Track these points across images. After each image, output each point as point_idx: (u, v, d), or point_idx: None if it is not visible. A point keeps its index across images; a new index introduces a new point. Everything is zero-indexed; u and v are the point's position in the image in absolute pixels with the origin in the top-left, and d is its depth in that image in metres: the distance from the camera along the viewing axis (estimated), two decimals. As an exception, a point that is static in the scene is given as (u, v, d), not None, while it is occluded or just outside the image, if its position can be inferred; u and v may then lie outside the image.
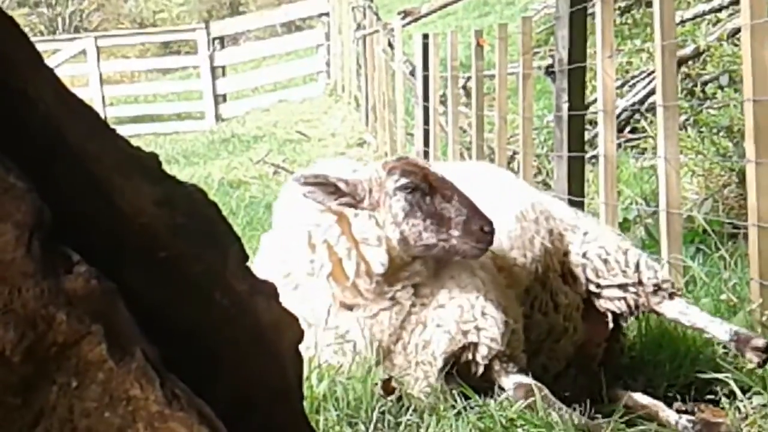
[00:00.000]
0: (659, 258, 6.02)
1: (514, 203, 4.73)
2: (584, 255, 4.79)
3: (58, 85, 1.63)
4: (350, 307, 4.14)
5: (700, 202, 8.98)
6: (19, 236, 1.21)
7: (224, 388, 1.62)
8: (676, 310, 4.73)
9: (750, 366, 4.43)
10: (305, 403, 3.57)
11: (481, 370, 4.15)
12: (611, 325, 4.80)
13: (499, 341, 4.14)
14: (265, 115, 20.58)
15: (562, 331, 4.68)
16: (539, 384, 4.11)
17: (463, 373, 4.18)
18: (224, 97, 22.49)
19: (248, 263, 1.72)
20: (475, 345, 4.14)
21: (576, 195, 7.10)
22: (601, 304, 4.77)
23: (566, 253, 4.81)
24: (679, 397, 4.75)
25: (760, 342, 4.37)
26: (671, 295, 4.76)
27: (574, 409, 4.05)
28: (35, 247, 1.23)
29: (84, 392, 1.25)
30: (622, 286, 4.74)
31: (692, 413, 4.60)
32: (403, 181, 4.08)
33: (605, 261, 4.76)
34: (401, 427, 3.47)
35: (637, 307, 4.76)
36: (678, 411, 4.57)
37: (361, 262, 4.07)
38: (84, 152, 1.60)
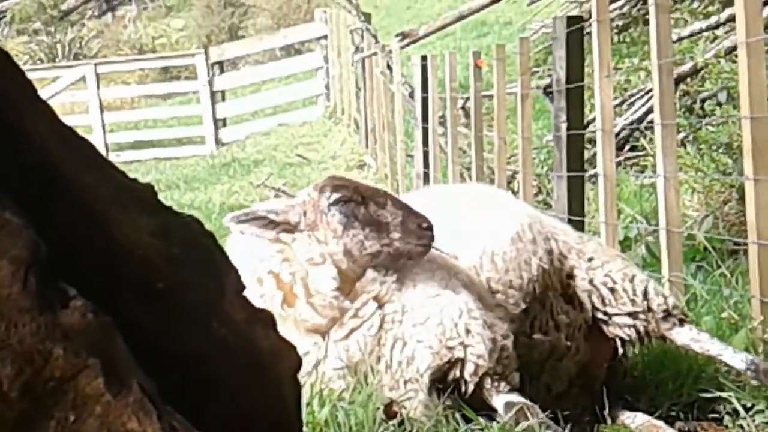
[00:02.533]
0: (660, 276, 6.02)
1: (512, 225, 4.75)
2: (590, 282, 4.80)
3: (53, 118, 1.64)
4: (322, 335, 4.20)
5: (701, 219, 8.97)
6: (15, 272, 1.22)
7: (223, 416, 1.62)
8: (688, 337, 4.74)
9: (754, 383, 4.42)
10: (307, 430, 3.58)
11: (471, 388, 4.17)
12: (620, 350, 4.80)
13: (487, 358, 4.17)
14: (265, 139, 20.62)
15: (564, 350, 4.69)
16: (531, 404, 4.12)
17: (456, 393, 4.20)
18: (224, 121, 22.53)
19: (245, 292, 1.73)
20: (462, 362, 4.17)
21: (576, 214, 7.10)
22: (610, 330, 4.79)
23: (570, 276, 4.83)
24: (682, 415, 4.74)
25: None
26: (681, 322, 4.78)
27: (572, 430, 4.05)
28: (31, 283, 1.23)
29: (82, 426, 1.25)
30: (632, 314, 4.76)
31: (696, 432, 4.59)
32: (336, 195, 4.21)
33: (612, 290, 4.79)
34: (403, 452, 3.47)
35: (647, 333, 4.78)
36: (680, 430, 4.57)
37: (309, 283, 4.18)
38: (80, 185, 1.61)
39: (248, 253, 4.31)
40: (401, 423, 3.62)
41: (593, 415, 4.60)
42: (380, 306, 4.25)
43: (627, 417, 4.64)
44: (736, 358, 4.56)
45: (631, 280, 4.83)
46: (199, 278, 1.66)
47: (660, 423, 4.59)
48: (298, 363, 1.69)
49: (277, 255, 4.26)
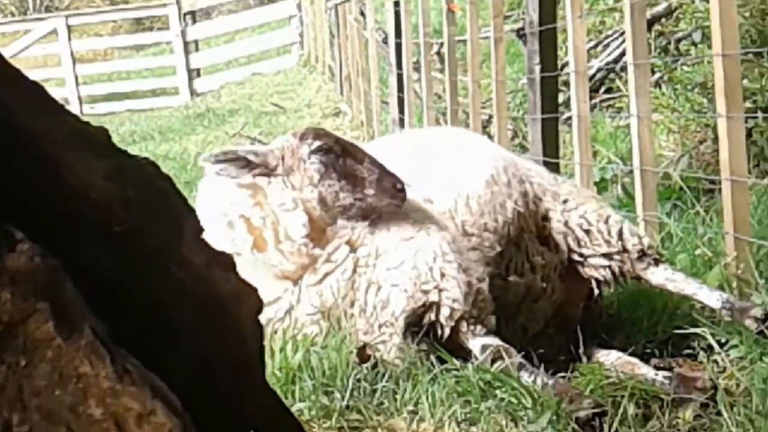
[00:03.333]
0: (635, 216, 6.03)
1: (486, 168, 4.74)
2: (565, 224, 4.80)
3: (2, 63, 1.60)
4: (295, 281, 4.20)
5: (677, 159, 8.99)
6: (-42, 216, 1.19)
7: (183, 359, 1.61)
8: (663, 276, 4.75)
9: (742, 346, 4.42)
10: (281, 374, 3.57)
11: (447, 332, 4.17)
12: (596, 291, 4.81)
13: (462, 302, 4.17)
14: (240, 89, 20.49)
15: (539, 291, 4.69)
16: (506, 345, 4.12)
17: (432, 336, 4.21)
18: (198, 71, 22.36)
19: (204, 235, 1.70)
20: (437, 306, 4.17)
21: (551, 156, 7.09)
22: (586, 271, 4.80)
23: (545, 218, 4.82)
24: (656, 352, 4.75)
25: (759, 312, 4.39)
26: (656, 262, 4.79)
27: (549, 371, 4.06)
28: (-25, 227, 1.21)
29: (33, 371, 1.23)
30: (607, 255, 4.76)
31: (670, 369, 4.61)
32: (317, 143, 4.23)
33: (587, 231, 4.79)
34: (377, 394, 3.46)
35: (622, 274, 4.78)
36: (656, 367, 4.58)
37: (279, 228, 4.18)
38: (31, 129, 1.58)
39: (220, 197, 4.30)
40: (375, 366, 3.62)
41: (568, 354, 4.60)
42: (353, 250, 4.24)
43: (602, 355, 4.65)
44: (711, 297, 4.57)
45: (606, 221, 4.83)
46: (157, 221, 1.63)
47: (635, 360, 4.59)
48: (259, 305, 1.68)
49: (249, 199, 4.24)
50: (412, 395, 3.43)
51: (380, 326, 4.18)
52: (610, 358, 4.61)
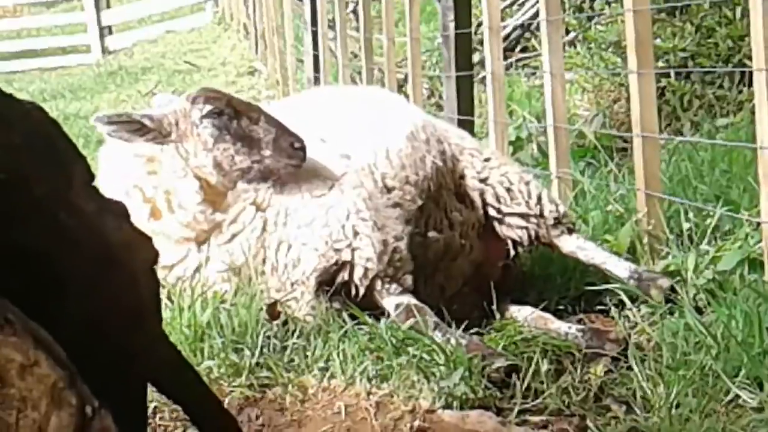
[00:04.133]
0: (549, 173, 6.04)
1: (405, 124, 4.71)
2: (485, 180, 4.81)
3: None
4: (202, 242, 4.13)
5: (591, 118, 9.04)
6: None
7: (72, 310, 1.53)
8: (574, 244, 4.79)
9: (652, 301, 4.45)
10: (189, 332, 3.50)
11: (362, 291, 4.13)
12: (512, 252, 4.82)
13: (376, 261, 4.13)
14: (153, 47, 20.15)
15: (458, 249, 4.68)
16: (420, 304, 4.10)
17: (346, 295, 4.17)
18: (110, 29, 21.94)
19: (95, 183, 1.63)
20: (351, 265, 4.12)
21: (466, 114, 7.06)
22: (503, 230, 4.81)
23: (462, 176, 4.81)
24: (570, 308, 4.78)
25: (666, 283, 4.43)
26: (570, 230, 4.83)
27: (463, 328, 4.04)
28: None
29: None
30: (524, 216, 4.79)
31: (582, 323, 4.63)
32: (208, 107, 4.12)
33: (508, 189, 4.81)
34: (287, 351, 3.42)
35: (537, 237, 4.80)
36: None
37: (172, 198, 4.09)
38: None
39: (116, 166, 4.19)
40: (285, 323, 3.57)
41: (482, 311, 4.60)
42: (261, 210, 4.17)
43: (515, 310, 4.65)
44: (619, 266, 4.62)
45: (527, 184, 4.86)
46: (44, 169, 1.56)
47: (548, 315, 4.60)
48: (154, 255, 1.61)
49: (142, 167, 4.14)
50: (323, 352, 3.39)
51: (292, 284, 4.13)
52: (523, 313, 4.63)
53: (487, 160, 4.88)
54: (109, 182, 4.16)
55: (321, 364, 3.31)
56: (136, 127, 4.07)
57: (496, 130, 6.60)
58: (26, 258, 1.50)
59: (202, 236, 4.14)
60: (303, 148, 4.15)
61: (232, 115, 4.13)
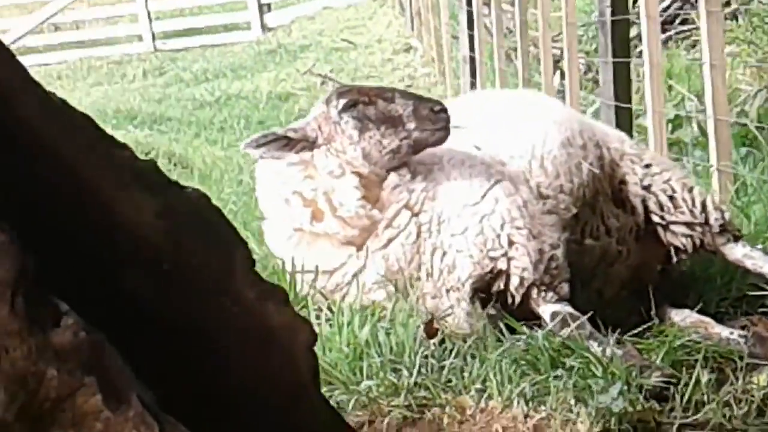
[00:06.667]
0: (709, 165, 5.92)
1: (561, 130, 4.68)
2: (648, 188, 4.75)
3: (47, 100, 1.59)
4: (358, 246, 4.21)
5: (754, 93, 8.78)
6: (2, 294, 1.19)
7: (236, 389, 1.61)
8: (741, 252, 4.68)
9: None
10: (349, 350, 3.58)
11: (517, 299, 4.16)
12: (674, 258, 4.77)
13: (532, 270, 4.15)
14: (311, 23, 20.38)
15: (615, 255, 4.65)
16: (576, 313, 4.09)
17: (502, 303, 4.20)
18: (269, 6, 22.27)
19: (256, 266, 1.69)
20: (506, 274, 4.15)
21: (622, 101, 6.96)
22: (667, 237, 4.74)
23: (622, 182, 4.77)
24: (731, 311, 4.69)
25: None
26: (736, 238, 4.73)
27: (620, 332, 4.03)
28: (19, 304, 1.21)
29: (83, 442, 1.24)
30: (689, 225, 4.71)
31: (744, 328, 4.54)
32: (343, 101, 4.20)
33: (671, 197, 4.75)
34: (445, 371, 3.46)
35: (702, 245, 4.72)
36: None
37: (333, 197, 4.18)
38: (80, 167, 1.57)
39: (273, 177, 4.35)
40: (442, 341, 3.61)
41: (640, 315, 4.54)
42: (414, 215, 4.23)
43: (675, 314, 4.59)
44: None
45: (690, 191, 4.78)
46: (208, 257, 1.63)
47: (708, 319, 4.53)
48: (314, 337, 1.67)
49: (298, 174, 4.25)
50: (480, 372, 3.41)
51: (447, 291, 4.18)
52: (682, 317, 4.56)
53: (647, 166, 4.81)
54: (268, 194, 4.37)
55: (478, 386, 3.34)
56: (283, 143, 4.20)
57: (654, 121, 6.48)
58: (191, 343, 1.58)
59: (362, 237, 4.23)
60: (445, 109, 4.19)
61: (367, 102, 4.21)
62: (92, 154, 1.59)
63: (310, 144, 4.23)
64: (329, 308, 4.13)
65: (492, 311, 4.18)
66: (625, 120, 6.87)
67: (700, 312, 4.60)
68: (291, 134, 4.22)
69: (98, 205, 1.57)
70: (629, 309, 4.63)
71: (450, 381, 3.39)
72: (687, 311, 4.61)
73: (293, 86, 15.27)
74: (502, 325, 4.08)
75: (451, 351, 3.57)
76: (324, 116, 4.25)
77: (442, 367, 3.46)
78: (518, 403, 3.24)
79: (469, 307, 4.14)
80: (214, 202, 1.89)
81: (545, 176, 4.51)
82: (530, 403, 3.26)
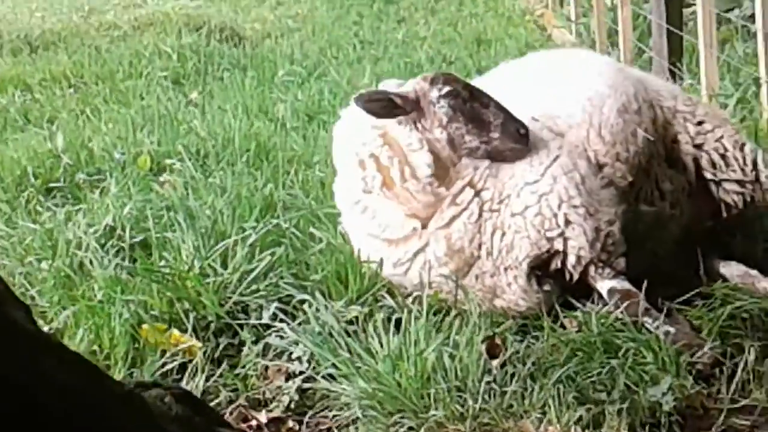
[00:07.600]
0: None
1: (617, 95, 4.78)
2: (700, 147, 4.90)
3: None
4: (424, 224, 4.46)
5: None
6: None
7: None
8: None
9: None
10: (416, 376, 3.73)
11: (575, 277, 4.40)
12: (724, 214, 4.92)
13: (588, 249, 4.37)
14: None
15: (668, 218, 4.81)
16: (633, 289, 4.31)
17: (559, 280, 4.44)
18: None
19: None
20: (564, 253, 4.38)
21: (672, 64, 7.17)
22: (719, 194, 4.91)
23: (675, 141, 4.90)
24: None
25: None
26: None
27: (669, 310, 4.23)
28: None
29: None
30: (740, 182, 4.89)
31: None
32: (447, 88, 4.49)
33: (723, 156, 4.90)
34: (506, 396, 3.65)
35: (752, 202, 4.90)
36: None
37: (406, 167, 4.45)
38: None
39: (352, 137, 4.61)
40: (503, 365, 3.79)
41: (691, 269, 4.66)
42: (477, 193, 4.42)
43: (723, 267, 4.75)
44: None
45: (741, 149, 4.91)
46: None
47: (755, 272, 4.68)
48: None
49: (378, 139, 4.51)
50: (539, 397, 3.63)
51: (506, 269, 4.41)
52: (730, 270, 4.72)
53: (700, 123, 4.92)
54: (345, 151, 4.67)
55: (538, 414, 3.56)
56: (386, 104, 4.45)
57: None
58: None
59: (426, 212, 4.48)
60: (527, 135, 4.47)
61: (467, 98, 4.50)
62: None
63: (406, 113, 4.48)
64: (389, 292, 4.37)
65: (547, 287, 4.43)
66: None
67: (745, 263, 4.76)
68: (397, 99, 4.46)
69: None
70: (681, 263, 4.79)
71: (511, 406, 3.59)
72: (734, 264, 4.76)
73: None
74: (556, 304, 4.33)
75: (512, 375, 3.76)
76: (423, 93, 4.50)
77: (504, 393, 3.66)
78: (575, 429, 3.46)
79: (526, 284, 4.38)
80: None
81: (602, 144, 4.66)
82: (586, 431, 3.48)
